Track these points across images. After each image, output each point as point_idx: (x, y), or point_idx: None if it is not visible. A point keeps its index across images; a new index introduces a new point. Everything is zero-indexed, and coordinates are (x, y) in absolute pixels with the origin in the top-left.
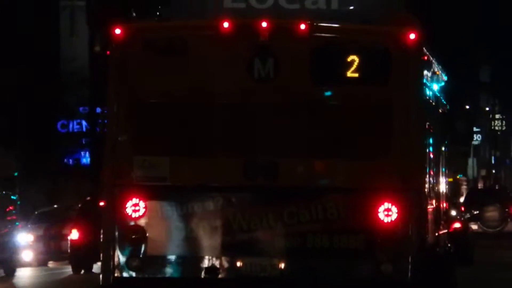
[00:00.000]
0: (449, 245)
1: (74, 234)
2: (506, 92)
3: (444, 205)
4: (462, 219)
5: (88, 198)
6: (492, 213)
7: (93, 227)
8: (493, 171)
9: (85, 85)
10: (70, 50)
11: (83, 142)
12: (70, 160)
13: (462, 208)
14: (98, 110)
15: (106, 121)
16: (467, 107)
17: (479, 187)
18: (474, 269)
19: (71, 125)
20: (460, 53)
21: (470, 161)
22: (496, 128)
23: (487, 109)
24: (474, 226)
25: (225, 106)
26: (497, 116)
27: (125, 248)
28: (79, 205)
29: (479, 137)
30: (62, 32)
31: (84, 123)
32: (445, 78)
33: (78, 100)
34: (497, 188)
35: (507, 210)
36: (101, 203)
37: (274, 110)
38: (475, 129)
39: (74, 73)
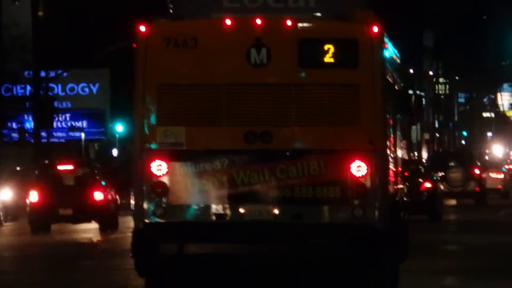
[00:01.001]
0: (405, 197)
1: (33, 197)
2: (449, 56)
3: (401, 164)
4: (433, 179)
5: (46, 161)
6: (455, 174)
7: (51, 190)
8: (437, 135)
9: (27, 50)
10: (12, 15)
11: (27, 106)
12: (14, 124)
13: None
14: (43, 73)
15: (134, 99)
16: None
17: (442, 151)
18: (440, 224)
19: (15, 89)
20: (403, 17)
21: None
22: (440, 92)
23: (431, 73)
24: (440, 186)
25: (228, 86)
26: (440, 80)
27: (151, 200)
28: (37, 168)
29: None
30: None
31: (28, 87)
32: (399, 60)
33: (21, 64)
34: (460, 151)
35: (469, 171)
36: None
37: (267, 89)
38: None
39: (16, 38)
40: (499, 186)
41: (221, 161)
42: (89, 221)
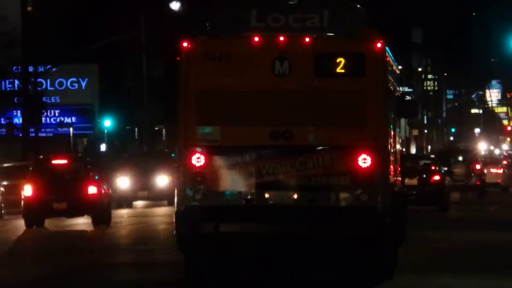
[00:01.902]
0: (403, 186)
1: (28, 191)
2: (438, 53)
3: (399, 158)
4: (441, 173)
5: (41, 156)
6: (459, 169)
7: (45, 184)
8: (425, 131)
9: (15, 45)
10: (0, 10)
11: (15, 101)
12: (2, 119)
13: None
14: (31, 69)
15: (178, 103)
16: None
17: (447, 149)
18: (449, 213)
19: (3, 84)
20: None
21: (402, 121)
22: (428, 88)
23: (420, 69)
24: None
25: (256, 93)
26: (429, 76)
27: (192, 187)
28: (32, 163)
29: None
30: None
31: (16, 82)
32: (398, 71)
33: (10, 60)
34: (462, 148)
35: (471, 167)
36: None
37: (289, 95)
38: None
39: (5, 33)
40: (499, 181)
41: (250, 155)
42: (82, 215)
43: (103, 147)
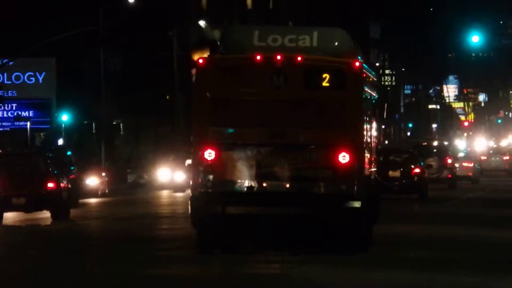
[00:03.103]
0: (377, 177)
1: None
2: (396, 48)
3: (373, 155)
4: (421, 166)
5: (0, 151)
6: (432, 163)
7: (5, 179)
8: (383, 127)
9: None
10: None
11: None
12: None
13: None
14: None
15: (194, 108)
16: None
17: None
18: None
19: None
20: (351, 9)
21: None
22: (386, 83)
23: (377, 64)
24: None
25: (258, 100)
26: (387, 71)
27: (203, 176)
28: None
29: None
30: None
31: None
32: (375, 79)
33: None
34: (435, 144)
35: (443, 161)
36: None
37: (284, 103)
38: None
39: None
40: (470, 174)
41: (251, 151)
42: (41, 209)
43: (60, 142)
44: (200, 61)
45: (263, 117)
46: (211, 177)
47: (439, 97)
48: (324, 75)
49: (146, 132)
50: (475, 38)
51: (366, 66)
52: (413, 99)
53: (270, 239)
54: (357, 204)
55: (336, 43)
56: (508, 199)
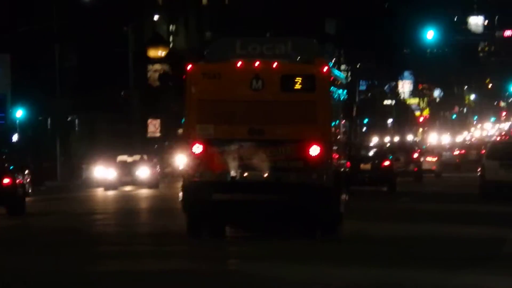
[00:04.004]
0: (346, 169)
1: None
2: (351, 44)
3: (342, 149)
4: (390, 160)
5: None
6: (400, 157)
7: None
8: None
9: None
10: None
11: None
12: None
13: None
14: None
15: (185, 108)
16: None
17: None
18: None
19: None
20: (306, 4)
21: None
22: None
23: (333, 60)
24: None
25: (239, 101)
26: (342, 67)
27: (193, 167)
28: None
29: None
30: None
31: None
32: (343, 81)
33: None
34: (405, 142)
35: (410, 156)
36: None
37: (262, 104)
38: None
39: None
40: (434, 167)
41: (234, 145)
42: None
43: (15, 138)
44: (189, 67)
45: (244, 116)
46: (199, 168)
47: (394, 93)
48: (296, 79)
49: (101, 128)
50: (430, 34)
51: (336, 71)
52: (369, 94)
53: (253, 220)
54: (326, 191)
55: (307, 51)
56: (462, 194)
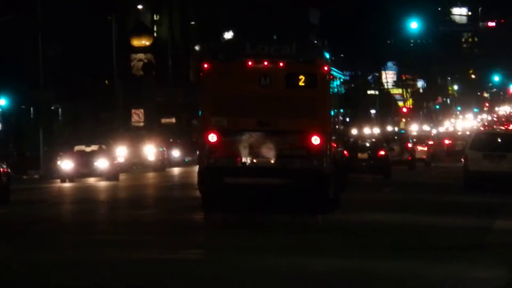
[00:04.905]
0: (344, 157)
1: None
2: (335, 34)
3: (339, 139)
4: (385, 149)
5: None
6: (395, 147)
7: None
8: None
9: None
10: None
11: None
12: None
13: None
14: None
15: (201, 102)
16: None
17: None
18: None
19: None
20: None
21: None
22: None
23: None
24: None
25: (250, 96)
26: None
27: (208, 154)
28: None
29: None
30: None
31: None
32: (342, 79)
33: None
34: (397, 131)
35: (404, 145)
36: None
37: (269, 99)
38: None
39: None
40: (424, 156)
41: (245, 135)
42: None
43: None
44: (205, 65)
45: (253, 109)
46: (213, 155)
47: (377, 83)
48: (300, 77)
49: (85, 117)
50: (414, 25)
51: (336, 69)
52: (352, 85)
53: (260, 200)
54: (325, 176)
55: (310, 52)
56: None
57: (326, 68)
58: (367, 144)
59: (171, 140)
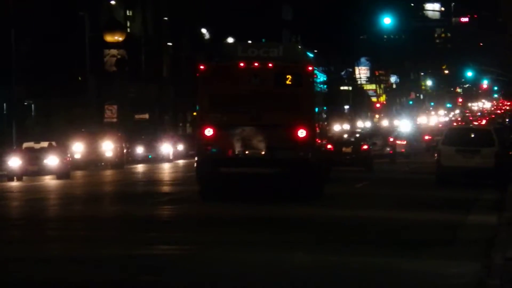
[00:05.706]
0: (324, 148)
1: None
2: (308, 30)
3: (323, 132)
4: (368, 143)
5: None
6: (378, 141)
7: None
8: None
9: None
10: None
11: None
12: None
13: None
14: None
15: (198, 101)
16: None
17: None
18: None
19: None
20: None
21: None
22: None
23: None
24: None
25: (242, 95)
26: None
27: (204, 148)
28: None
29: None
30: None
31: None
32: (323, 79)
33: None
34: (381, 127)
35: (386, 140)
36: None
37: (260, 96)
38: None
39: None
40: (403, 150)
41: (238, 129)
42: None
43: None
44: (201, 66)
45: (245, 106)
46: (209, 147)
47: (351, 79)
48: (287, 76)
49: (58, 113)
50: (387, 20)
51: (317, 71)
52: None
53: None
54: (310, 165)
55: (295, 54)
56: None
57: (310, 68)
58: (352, 139)
59: (143, 137)
